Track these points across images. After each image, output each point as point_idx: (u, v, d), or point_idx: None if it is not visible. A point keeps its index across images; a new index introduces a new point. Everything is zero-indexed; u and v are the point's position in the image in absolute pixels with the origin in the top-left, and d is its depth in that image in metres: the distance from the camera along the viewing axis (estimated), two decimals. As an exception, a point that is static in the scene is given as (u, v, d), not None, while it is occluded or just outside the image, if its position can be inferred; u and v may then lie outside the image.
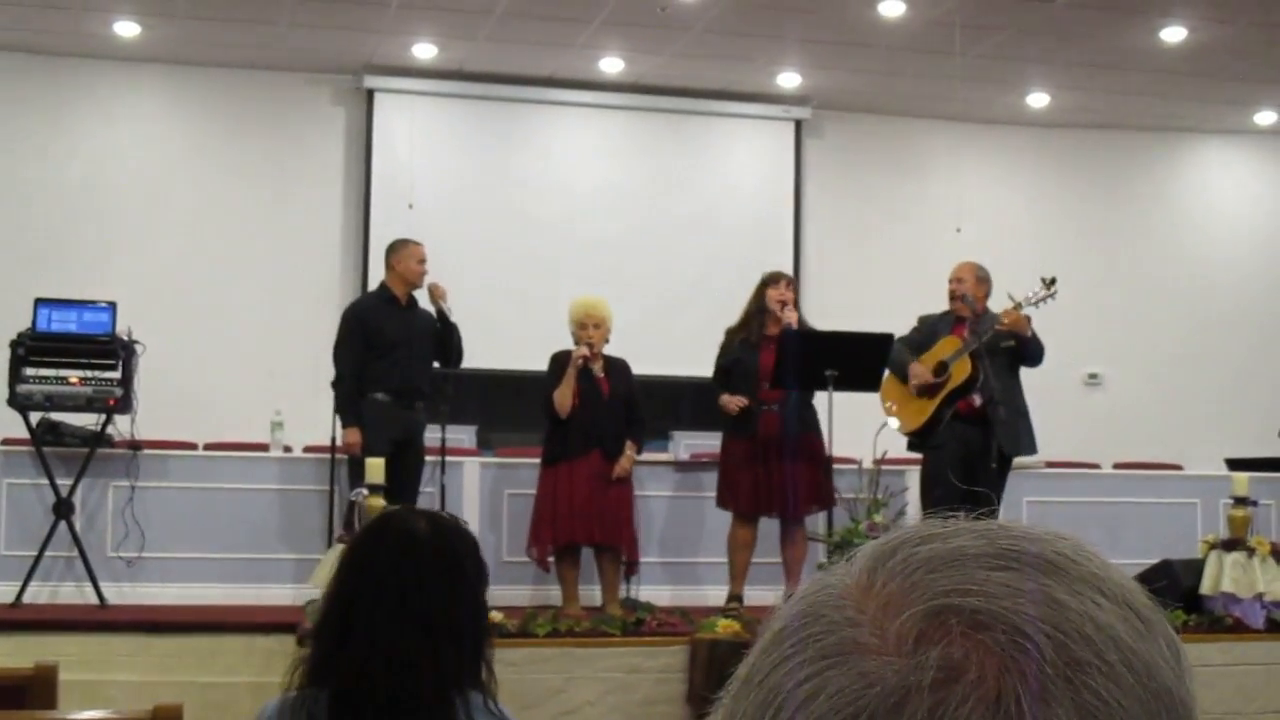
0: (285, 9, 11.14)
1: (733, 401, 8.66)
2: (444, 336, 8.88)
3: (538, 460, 9.11)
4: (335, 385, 8.76)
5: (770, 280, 8.91)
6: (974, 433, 8.54)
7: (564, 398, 8.59)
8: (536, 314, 12.31)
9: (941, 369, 8.58)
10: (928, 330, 8.85)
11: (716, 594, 9.08)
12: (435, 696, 2.63)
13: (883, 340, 8.65)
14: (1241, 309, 14.10)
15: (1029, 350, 8.70)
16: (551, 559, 8.69)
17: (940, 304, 8.96)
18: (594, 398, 8.65)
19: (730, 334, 8.94)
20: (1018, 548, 0.74)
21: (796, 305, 8.96)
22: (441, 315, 8.90)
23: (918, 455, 8.94)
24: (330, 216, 12.66)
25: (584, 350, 8.64)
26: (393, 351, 8.72)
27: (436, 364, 9.00)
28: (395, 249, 9.17)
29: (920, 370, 8.61)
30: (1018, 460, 9.17)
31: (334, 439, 8.92)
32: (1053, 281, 8.61)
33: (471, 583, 2.77)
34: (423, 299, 9.01)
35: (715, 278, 12.74)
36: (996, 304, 8.77)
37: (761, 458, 8.69)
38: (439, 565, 2.73)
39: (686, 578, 9.70)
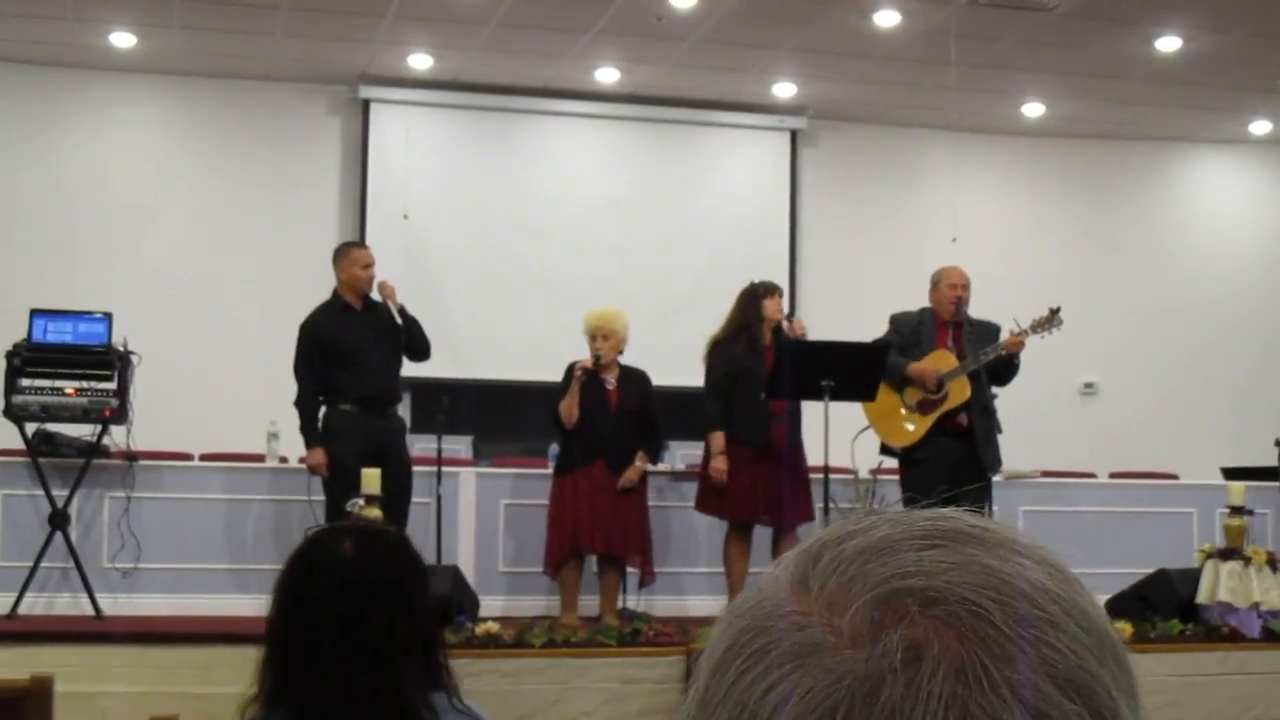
0: (281, 19, 11.15)
1: (720, 472, 8.71)
2: (403, 334, 8.72)
3: (534, 471, 9.11)
4: (296, 404, 8.58)
5: (767, 292, 8.96)
6: (958, 447, 8.53)
7: (568, 408, 8.62)
8: (533, 324, 12.33)
9: (937, 384, 8.57)
10: (909, 334, 8.79)
11: (713, 604, 9.07)
12: (398, 712, 2.60)
13: (879, 350, 8.65)
14: (1237, 317, 14.11)
15: (1011, 373, 8.71)
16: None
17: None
18: (600, 409, 8.65)
19: (721, 344, 8.91)
20: (935, 526, 0.78)
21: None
22: (399, 312, 8.74)
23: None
24: (326, 227, 12.65)
25: (585, 362, 8.66)
26: (353, 358, 8.53)
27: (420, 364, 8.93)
28: (339, 255, 8.95)
29: (930, 372, 8.55)
30: (1013, 469, 9.16)
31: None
32: (1058, 310, 8.61)
33: (410, 593, 2.70)
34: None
35: (711, 287, 12.72)
36: (995, 323, 8.79)
37: (772, 465, 8.70)
38: (373, 586, 2.65)
39: (683, 588, 9.70)
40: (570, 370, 8.73)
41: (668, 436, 11.98)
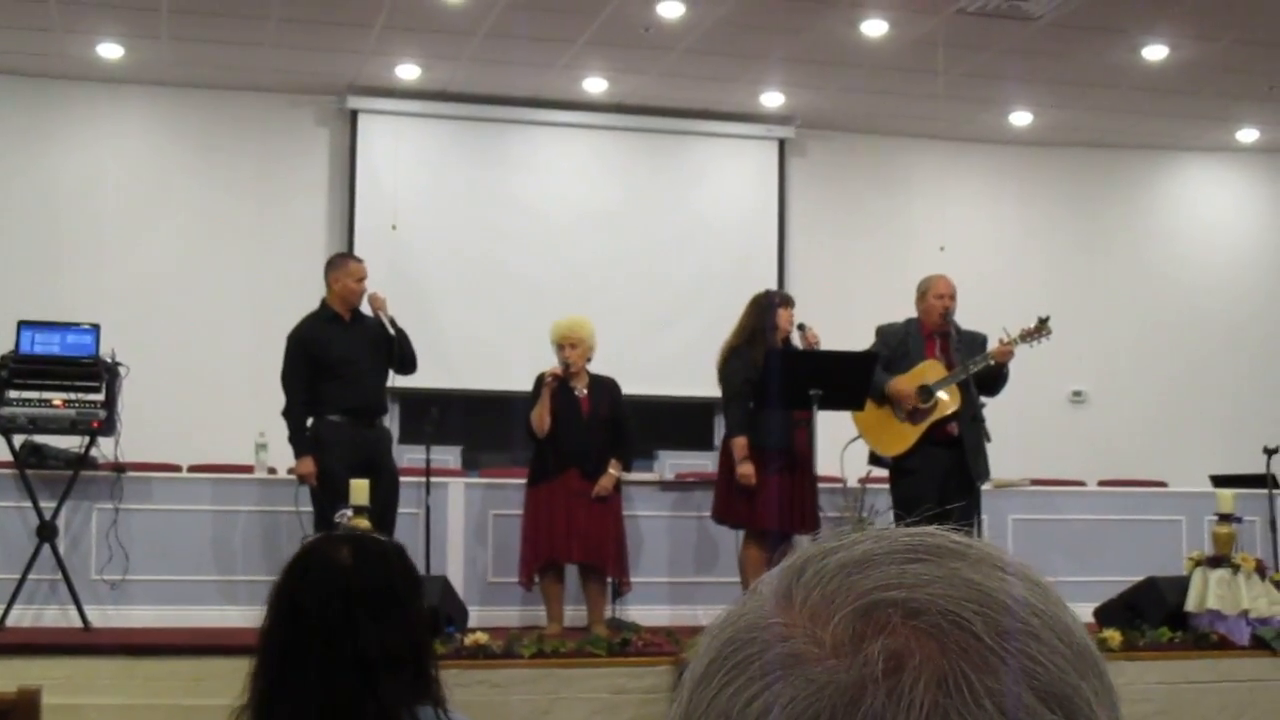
0: (269, 30, 11.15)
1: (748, 477, 8.66)
2: (392, 347, 8.73)
3: (523, 481, 9.11)
4: (284, 415, 8.59)
5: (782, 301, 8.99)
6: (948, 456, 8.53)
7: (539, 417, 8.62)
8: (521, 334, 12.30)
9: (926, 394, 8.56)
10: (896, 345, 8.79)
11: (703, 614, 9.05)
12: None
13: (867, 359, 8.65)
14: (1226, 324, 14.13)
15: (1000, 383, 8.72)
16: (536, 579, 8.72)
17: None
18: (572, 417, 8.66)
19: (738, 350, 8.86)
20: (918, 542, 0.78)
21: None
22: (386, 325, 8.75)
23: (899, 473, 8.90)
24: (314, 238, 12.64)
25: (555, 370, 8.67)
26: (342, 370, 8.54)
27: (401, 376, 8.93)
28: (332, 266, 8.94)
29: (908, 393, 8.56)
30: (1003, 478, 9.15)
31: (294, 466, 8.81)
32: (1047, 319, 8.62)
33: (404, 603, 2.70)
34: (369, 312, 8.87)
35: (700, 297, 12.76)
36: (982, 333, 8.81)
37: (796, 472, 8.68)
38: (367, 594, 2.65)
39: (673, 598, 9.69)
40: (540, 380, 8.74)
41: (657, 447, 12.02)
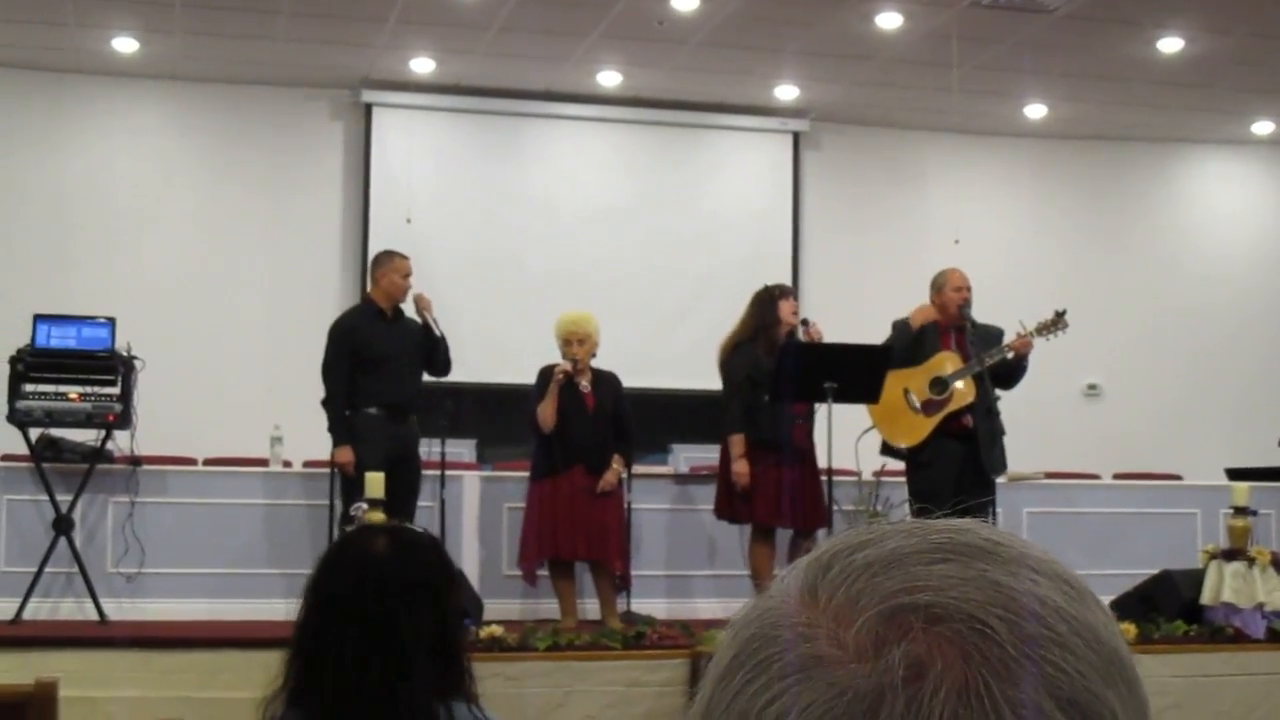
0: (282, 24, 11.16)
1: (743, 475, 8.64)
2: (431, 347, 8.83)
3: (531, 475, 9.12)
4: (325, 404, 8.67)
5: (782, 294, 8.97)
6: (963, 449, 8.51)
7: (546, 413, 8.61)
8: (535, 328, 12.26)
9: (940, 385, 8.55)
10: (910, 339, 8.79)
11: (717, 607, 9.05)
12: (414, 713, 2.60)
13: (881, 352, 8.64)
14: (1240, 318, 14.10)
15: (1018, 376, 8.70)
16: (544, 573, 8.73)
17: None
18: (577, 412, 8.64)
19: (740, 346, 8.85)
20: (949, 540, 0.77)
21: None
22: (428, 326, 8.85)
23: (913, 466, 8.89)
24: (329, 231, 12.66)
25: (565, 366, 8.65)
26: (382, 365, 8.65)
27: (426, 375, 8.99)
28: (380, 262, 9.08)
29: (925, 310, 8.58)
30: (1018, 471, 9.14)
31: (333, 454, 8.88)
32: (1063, 312, 8.61)
33: (439, 594, 2.71)
34: (409, 309, 8.96)
35: (714, 290, 12.75)
36: (997, 326, 8.79)
37: (795, 467, 8.67)
38: (403, 584, 2.66)
39: (686, 591, 9.69)
40: (545, 375, 8.73)
41: (671, 441, 12.01)
